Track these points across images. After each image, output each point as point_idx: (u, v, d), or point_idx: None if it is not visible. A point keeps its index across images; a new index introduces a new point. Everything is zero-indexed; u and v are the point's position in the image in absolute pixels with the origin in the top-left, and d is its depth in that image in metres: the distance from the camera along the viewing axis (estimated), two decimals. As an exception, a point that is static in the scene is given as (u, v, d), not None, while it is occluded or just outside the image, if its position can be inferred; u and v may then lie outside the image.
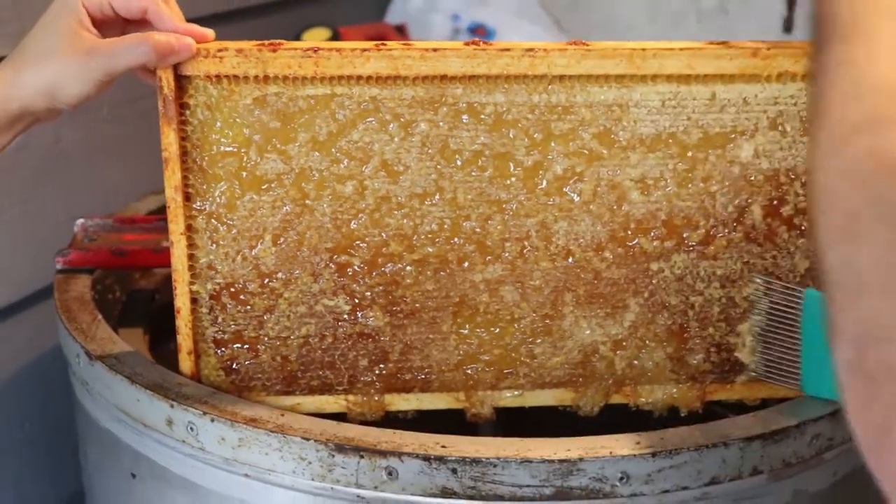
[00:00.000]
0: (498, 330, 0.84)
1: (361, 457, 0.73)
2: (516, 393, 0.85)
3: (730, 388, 0.87)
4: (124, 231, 1.04)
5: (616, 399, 0.87)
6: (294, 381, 0.83)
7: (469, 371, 0.84)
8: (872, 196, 0.42)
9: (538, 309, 0.83)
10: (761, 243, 0.84)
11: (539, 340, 0.84)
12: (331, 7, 1.74)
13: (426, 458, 0.72)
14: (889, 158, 0.42)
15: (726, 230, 0.83)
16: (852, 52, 0.47)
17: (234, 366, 0.83)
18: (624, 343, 0.85)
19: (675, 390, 0.86)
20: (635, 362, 0.85)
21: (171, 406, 0.77)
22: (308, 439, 0.73)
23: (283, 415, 0.76)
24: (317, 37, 1.57)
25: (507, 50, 0.78)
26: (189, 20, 0.77)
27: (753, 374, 0.84)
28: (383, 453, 0.72)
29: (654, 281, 0.84)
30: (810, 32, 0.52)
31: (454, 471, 0.72)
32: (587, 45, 0.78)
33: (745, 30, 1.72)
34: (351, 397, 0.84)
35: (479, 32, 1.80)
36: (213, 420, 0.76)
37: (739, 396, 0.88)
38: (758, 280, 0.82)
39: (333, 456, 0.73)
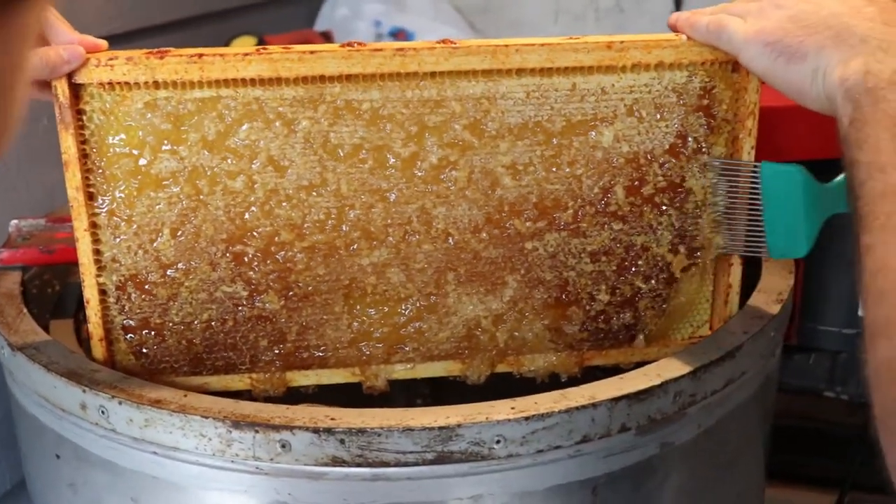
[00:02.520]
0: (387, 309, 0.83)
1: (256, 431, 0.71)
2: (408, 366, 0.84)
3: (605, 353, 0.87)
4: (56, 230, 1.01)
5: (501, 368, 0.86)
6: (200, 362, 0.82)
7: (362, 347, 0.83)
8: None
9: (423, 288, 0.82)
10: (626, 220, 0.83)
11: (425, 317, 0.83)
12: (260, 17, 1.72)
13: (316, 431, 0.71)
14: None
15: (593, 209, 0.82)
16: (870, 241, 0.54)
17: (143, 350, 0.81)
18: (504, 317, 0.84)
19: (554, 358, 0.86)
20: (516, 334, 0.85)
21: (84, 391, 0.75)
22: (207, 417, 0.72)
23: (185, 395, 0.75)
24: (244, 44, 1.54)
25: (380, 50, 0.77)
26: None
27: (723, 250, 0.85)
28: (276, 427, 0.71)
29: (529, 259, 0.83)
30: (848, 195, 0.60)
31: (342, 441, 0.71)
32: (455, 43, 0.77)
33: (638, 26, 1.72)
34: (254, 375, 0.83)
35: (400, 36, 1.79)
36: (120, 403, 0.74)
37: (615, 361, 0.87)
38: (715, 163, 0.82)
39: (231, 432, 0.72)
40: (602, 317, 0.85)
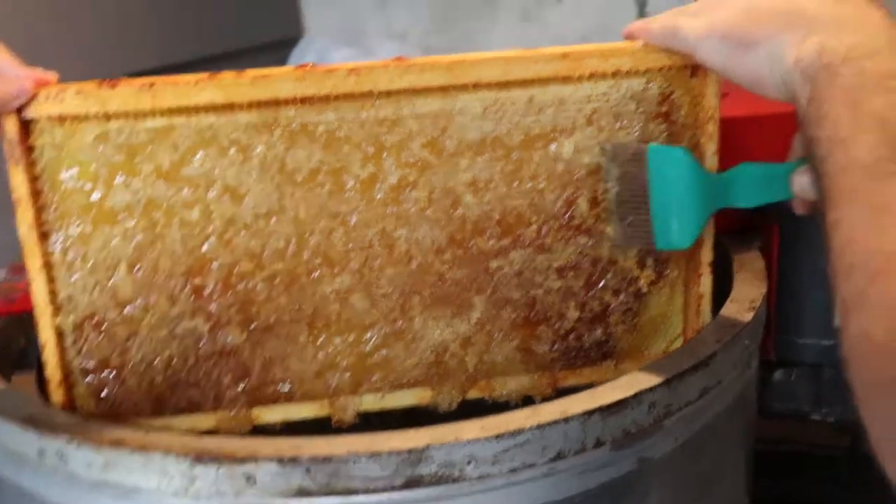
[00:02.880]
0: (352, 337, 0.80)
1: (220, 465, 0.68)
2: (377, 396, 0.82)
3: (578, 372, 0.84)
4: (17, 280, 0.99)
5: (473, 394, 0.83)
6: (163, 402, 0.79)
7: (329, 379, 0.81)
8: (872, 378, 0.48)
9: (388, 314, 0.80)
10: (591, 233, 0.81)
11: (392, 344, 0.81)
12: (229, 66, 1.71)
13: (280, 461, 0.68)
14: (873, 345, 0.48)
15: (557, 224, 0.81)
16: (836, 216, 0.54)
17: (103, 393, 0.78)
18: (473, 339, 0.82)
19: (526, 380, 0.83)
20: (486, 357, 0.82)
21: (41, 436, 0.72)
22: (168, 454, 0.69)
23: (146, 433, 0.72)
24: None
25: (333, 71, 0.75)
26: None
27: (615, 242, 0.82)
28: (240, 460, 0.68)
29: (494, 278, 0.81)
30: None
31: (308, 470, 0.68)
32: (408, 61, 0.76)
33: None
34: (219, 414, 0.80)
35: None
36: (78, 446, 0.71)
37: (588, 380, 0.85)
38: (606, 147, 0.79)
39: (193, 468, 0.69)
40: (573, 335, 0.83)
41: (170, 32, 1.64)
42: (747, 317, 0.83)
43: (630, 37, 0.80)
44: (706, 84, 0.79)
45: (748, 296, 0.86)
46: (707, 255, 0.83)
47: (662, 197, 0.77)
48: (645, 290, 0.83)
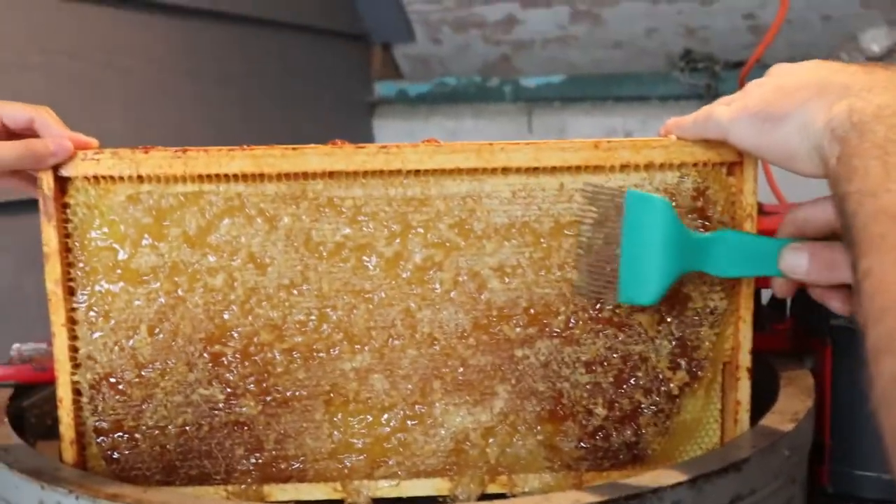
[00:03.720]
0: (370, 418, 0.77)
1: (211, 526, 0.66)
2: (393, 483, 0.78)
3: (606, 475, 0.79)
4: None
5: (493, 488, 0.79)
6: (173, 470, 0.77)
7: (343, 460, 0.77)
8: None
9: (408, 397, 0.77)
10: (622, 328, 0.78)
11: (410, 428, 0.77)
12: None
13: (272, 525, 0.65)
14: None
15: (586, 315, 0.77)
16: (867, 265, 0.50)
17: (114, 455, 0.77)
18: (495, 430, 0.78)
19: (550, 478, 0.79)
20: (508, 450, 0.78)
21: (42, 488, 0.71)
22: (161, 511, 0.67)
23: (144, 491, 0.70)
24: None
25: (363, 147, 0.75)
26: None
27: (578, 289, 0.76)
28: (232, 522, 0.66)
29: (519, 367, 0.78)
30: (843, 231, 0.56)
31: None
32: (439, 143, 0.76)
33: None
34: (230, 487, 0.77)
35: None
36: (77, 498, 0.69)
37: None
38: (587, 187, 0.75)
39: (185, 527, 0.66)
40: (600, 433, 0.78)
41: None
42: (788, 427, 0.77)
43: (665, 134, 0.78)
44: (743, 181, 0.76)
45: (791, 408, 0.80)
46: (744, 359, 0.78)
47: (634, 247, 0.73)
48: (677, 391, 0.79)
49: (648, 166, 0.77)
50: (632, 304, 0.75)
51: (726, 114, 0.71)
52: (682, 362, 0.78)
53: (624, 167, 0.77)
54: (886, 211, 0.52)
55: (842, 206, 0.57)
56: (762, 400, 0.82)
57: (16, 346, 0.95)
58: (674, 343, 0.78)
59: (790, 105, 0.65)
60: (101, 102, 1.40)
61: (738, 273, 0.74)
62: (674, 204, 0.77)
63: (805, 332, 0.92)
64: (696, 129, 0.75)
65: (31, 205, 0.78)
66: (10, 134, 0.76)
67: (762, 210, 0.90)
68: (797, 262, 0.70)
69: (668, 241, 0.72)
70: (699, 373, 0.79)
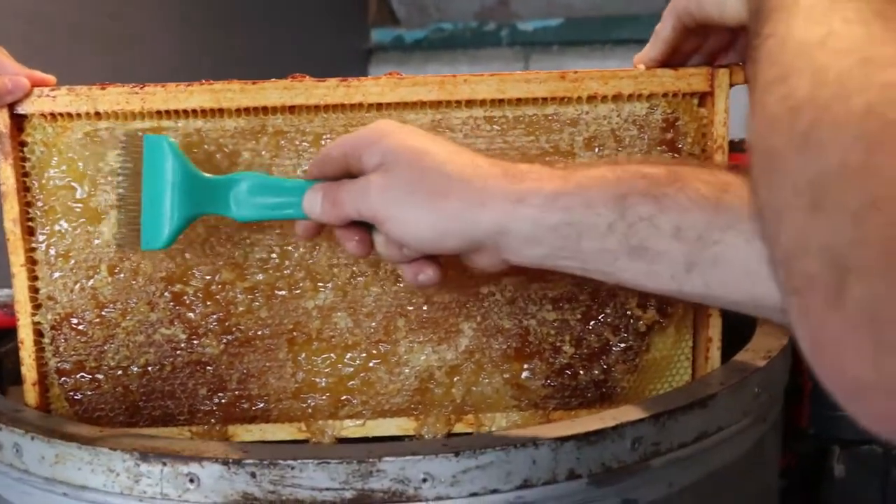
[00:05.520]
0: (333, 357, 0.75)
1: (164, 465, 0.64)
2: (358, 422, 0.76)
3: (574, 413, 0.77)
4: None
5: (460, 427, 0.77)
6: (137, 411, 0.75)
7: (307, 399, 0.75)
8: (786, 133, 0.41)
9: (371, 335, 0.75)
10: (589, 264, 0.75)
11: (374, 367, 0.75)
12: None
13: (225, 463, 0.63)
14: (795, 99, 0.41)
15: (552, 251, 0.75)
16: (775, 26, 0.46)
17: (77, 396, 0.75)
18: (460, 368, 0.76)
19: (517, 417, 0.77)
20: (474, 388, 0.76)
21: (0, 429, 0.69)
22: (115, 450, 0.65)
23: (100, 431, 0.68)
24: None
25: (323, 81, 0.72)
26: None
27: (117, 243, 0.72)
28: (185, 459, 0.64)
29: (485, 304, 0.75)
30: (750, 15, 0.52)
31: (253, 475, 0.63)
32: (401, 76, 0.73)
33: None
34: (194, 428, 0.76)
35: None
36: (33, 438, 0.67)
37: (586, 424, 0.77)
38: (121, 136, 0.71)
39: (139, 465, 0.64)
40: (568, 371, 0.76)
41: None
42: (759, 363, 0.75)
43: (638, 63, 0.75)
44: (714, 112, 0.73)
45: (765, 346, 0.78)
46: (716, 294, 0.76)
47: (151, 192, 0.68)
48: (646, 329, 0.76)
49: (617, 97, 0.74)
50: (149, 249, 0.70)
51: None
52: (653, 300, 0.76)
53: (591, 98, 0.74)
54: None
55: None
56: (740, 341, 0.80)
57: (-11, 290, 0.93)
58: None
59: None
60: (83, 46, 1.38)
61: (260, 216, 0.69)
62: (643, 136, 0.74)
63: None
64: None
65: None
66: None
67: (738, 146, 0.87)
68: (313, 203, 0.66)
69: (177, 183, 0.68)
70: (669, 310, 0.76)
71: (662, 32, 0.73)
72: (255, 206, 0.69)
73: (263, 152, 0.73)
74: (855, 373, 0.37)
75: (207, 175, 0.69)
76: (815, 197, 0.39)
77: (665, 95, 0.74)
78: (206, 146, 0.73)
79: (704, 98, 0.74)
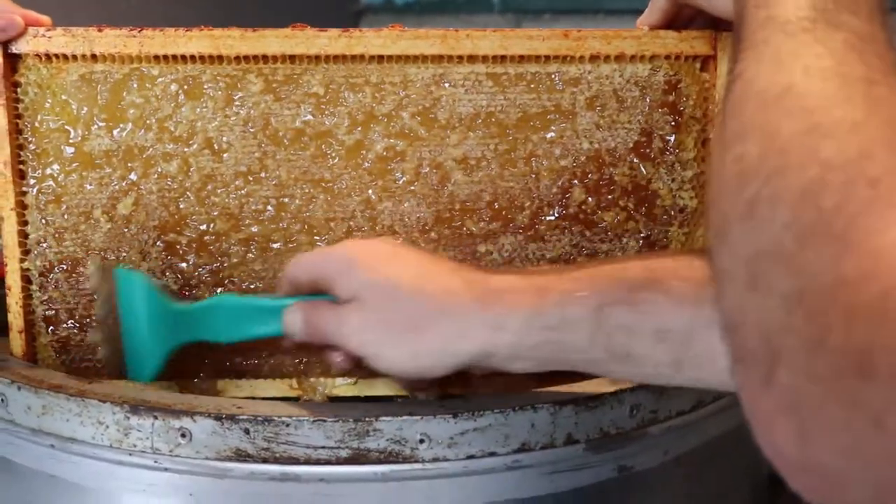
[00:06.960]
0: (327, 313, 0.72)
1: (155, 418, 0.61)
2: (349, 381, 0.73)
3: (571, 380, 0.75)
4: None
5: (454, 389, 0.74)
6: (125, 363, 0.72)
7: (299, 355, 0.73)
8: (733, 200, 0.41)
9: (367, 291, 0.72)
10: (588, 225, 0.73)
11: (369, 324, 0.73)
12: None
13: (218, 418, 0.61)
14: (745, 163, 0.40)
15: (552, 211, 0.72)
16: (746, 65, 0.45)
17: (65, 346, 0.72)
18: (455, 328, 0.73)
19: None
20: (469, 349, 0.74)
21: (-17, 380, 0.66)
22: (105, 402, 0.62)
23: (89, 382, 0.65)
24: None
25: (325, 31, 0.69)
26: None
27: (106, 363, 0.70)
28: (176, 413, 0.61)
29: (482, 263, 0.72)
30: (734, 22, 0.50)
31: (247, 431, 0.60)
32: (404, 29, 0.70)
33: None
34: (183, 382, 0.73)
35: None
36: (20, 388, 0.64)
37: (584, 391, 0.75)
38: (91, 266, 0.69)
39: (129, 418, 0.62)
40: (564, 334, 0.74)
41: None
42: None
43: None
44: (717, 76, 0.71)
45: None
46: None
47: (129, 324, 0.67)
48: (645, 292, 0.74)
49: (619, 58, 0.71)
50: (137, 381, 0.68)
51: None
52: (651, 262, 0.73)
53: (594, 58, 0.71)
54: (776, 19, 0.46)
55: (740, 10, 0.51)
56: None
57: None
58: (641, 242, 0.73)
59: None
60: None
61: (243, 336, 0.67)
62: (644, 97, 0.71)
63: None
64: None
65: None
66: None
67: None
68: (293, 325, 0.64)
69: (153, 317, 0.66)
70: (667, 274, 0.74)
71: (658, 1, 0.71)
72: (237, 330, 0.66)
73: (263, 101, 0.70)
74: (783, 450, 0.37)
75: (182, 305, 0.67)
76: (752, 274, 0.39)
77: (668, 57, 0.71)
78: (204, 93, 0.69)
79: (707, 62, 0.71)
